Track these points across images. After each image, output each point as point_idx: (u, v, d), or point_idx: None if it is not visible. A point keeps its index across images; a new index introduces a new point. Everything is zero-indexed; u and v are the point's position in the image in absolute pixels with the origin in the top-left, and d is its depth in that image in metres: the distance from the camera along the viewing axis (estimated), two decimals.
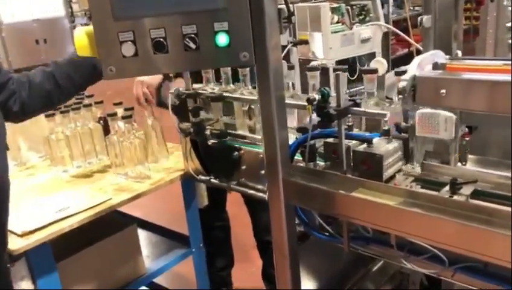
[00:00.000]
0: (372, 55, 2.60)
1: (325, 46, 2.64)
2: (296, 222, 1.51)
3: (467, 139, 1.33)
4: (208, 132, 1.83)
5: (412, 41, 2.49)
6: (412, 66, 1.27)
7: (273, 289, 2.56)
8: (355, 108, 1.27)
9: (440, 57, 1.38)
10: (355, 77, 2.00)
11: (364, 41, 2.92)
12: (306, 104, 1.30)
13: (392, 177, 1.34)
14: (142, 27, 1.12)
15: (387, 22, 4.12)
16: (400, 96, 1.24)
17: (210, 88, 1.85)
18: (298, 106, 1.48)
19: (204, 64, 1.25)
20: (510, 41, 5.51)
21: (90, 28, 1.17)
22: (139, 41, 1.13)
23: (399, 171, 1.35)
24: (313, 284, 1.75)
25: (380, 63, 1.43)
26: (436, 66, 1.36)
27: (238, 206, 2.66)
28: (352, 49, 2.58)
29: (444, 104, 1.26)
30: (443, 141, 1.36)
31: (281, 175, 1.30)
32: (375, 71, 1.35)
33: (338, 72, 1.23)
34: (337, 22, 2.89)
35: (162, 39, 1.11)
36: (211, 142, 1.81)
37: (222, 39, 1.13)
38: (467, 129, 1.37)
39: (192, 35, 1.11)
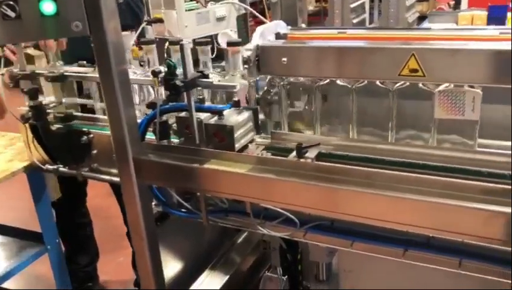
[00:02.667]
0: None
1: (180, 24, 2.57)
2: (154, 203, 1.46)
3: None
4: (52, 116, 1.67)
5: (267, 21, 2.55)
6: (255, 36, 1.29)
7: None
8: (203, 80, 1.25)
9: (282, 27, 1.43)
10: (214, 55, 1.98)
11: (220, 19, 2.91)
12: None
13: (245, 147, 1.36)
14: None
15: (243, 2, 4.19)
16: (246, 66, 1.26)
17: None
18: (144, 82, 1.41)
19: (27, 35, 1.11)
20: (354, 20, 5.94)
21: None
22: None
23: (251, 141, 1.38)
24: (178, 264, 1.73)
25: (227, 35, 1.42)
26: (278, 36, 1.41)
27: (109, 196, 2.50)
28: (209, 27, 2.56)
29: (287, 73, 1.30)
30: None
31: (130, 155, 1.23)
32: (239, 43, 1.35)
33: (183, 43, 1.19)
34: (191, 0, 2.83)
35: None
36: (55, 127, 1.65)
37: (48, 7, 1.02)
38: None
39: (10, 2, 0.98)
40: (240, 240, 1.95)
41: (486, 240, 0.98)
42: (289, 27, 1.45)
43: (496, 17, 3.13)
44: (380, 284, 1.63)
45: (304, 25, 1.92)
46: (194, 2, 2.87)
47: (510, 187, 0.94)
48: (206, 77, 1.25)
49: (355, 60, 1.18)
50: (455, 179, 1.03)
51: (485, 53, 1.06)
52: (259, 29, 1.30)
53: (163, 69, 1.23)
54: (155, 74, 1.21)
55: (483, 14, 3.16)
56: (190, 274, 1.77)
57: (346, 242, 1.27)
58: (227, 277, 1.77)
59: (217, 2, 3.04)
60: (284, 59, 1.24)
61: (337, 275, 1.69)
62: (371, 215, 1.08)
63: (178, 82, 1.18)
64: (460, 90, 1.15)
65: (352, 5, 5.62)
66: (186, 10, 2.73)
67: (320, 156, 1.30)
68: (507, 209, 0.92)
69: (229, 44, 1.46)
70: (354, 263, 1.64)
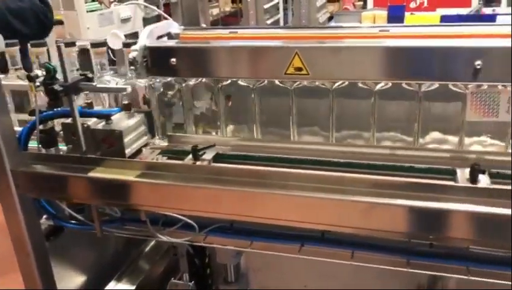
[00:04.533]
0: (134, 36, 2.52)
1: (81, 26, 2.46)
2: (46, 216, 1.37)
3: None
4: None
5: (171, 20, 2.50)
6: (142, 36, 1.24)
7: None
8: (86, 83, 1.18)
9: (174, 27, 1.39)
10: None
11: (125, 21, 2.81)
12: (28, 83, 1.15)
13: (140, 152, 1.31)
14: None
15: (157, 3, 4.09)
16: (132, 67, 1.21)
17: None
18: (21, 87, 1.32)
19: None
20: (268, 21, 6.00)
21: None
22: None
23: (145, 145, 1.33)
24: (80, 278, 1.63)
25: (116, 36, 1.36)
26: (170, 36, 1.37)
27: None
28: (113, 29, 2.46)
29: (177, 74, 1.27)
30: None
31: (8, 166, 1.13)
32: (103, 44, 1.28)
33: (60, 44, 1.12)
34: (94, 0, 2.72)
35: None
36: None
37: None
38: None
39: None
40: (148, 247, 1.89)
41: (375, 232, 1.01)
42: (182, 27, 1.42)
43: (395, 16, 3.30)
44: (289, 280, 1.65)
45: (204, 25, 1.89)
46: (97, 2, 2.75)
47: (402, 179, 0.97)
48: (90, 80, 1.18)
49: (242, 60, 1.17)
50: (346, 174, 1.05)
51: (363, 50, 1.09)
52: (147, 29, 1.25)
53: (40, 73, 1.14)
54: (31, 78, 1.12)
55: (384, 13, 3.33)
56: (94, 287, 1.68)
57: (245, 243, 1.26)
58: (134, 286, 1.70)
59: (122, 2, 2.94)
60: (173, 60, 1.21)
61: (246, 275, 1.69)
62: (263, 214, 1.07)
63: (57, 87, 1.10)
64: (495, 91, 1.10)
65: (265, 6, 5.72)
66: (87, 11, 2.61)
67: (217, 158, 1.28)
68: (392, 201, 0.95)
69: (126, 45, 1.39)
70: (261, 262, 1.64)
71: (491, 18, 3.17)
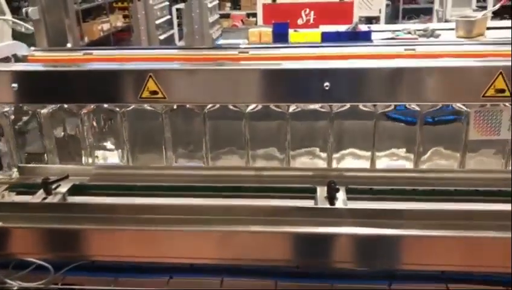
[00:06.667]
0: None
1: None
2: None
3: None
4: None
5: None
6: None
7: None
8: None
9: (21, 48, 1.27)
10: None
11: None
12: None
13: None
14: None
15: None
16: None
17: None
18: None
19: None
20: (161, 37, 5.87)
21: None
22: None
23: None
24: None
25: None
26: (17, 58, 1.24)
27: None
28: None
29: (20, 101, 1.15)
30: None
31: None
32: None
33: None
34: None
35: None
36: None
37: None
38: None
39: None
40: None
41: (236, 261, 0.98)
42: (32, 48, 1.30)
43: (279, 34, 3.40)
44: None
45: (69, 45, 1.77)
46: None
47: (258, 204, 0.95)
48: None
49: (91, 84, 1.08)
50: (202, 202, 1.01)
51: (217, 72, 1.07)
52: None
53: None
54: None
55: (269, 30, 3.40)
56: None
57: (108, 280, 1.17)
58: None
59: None
60: (14, 85, 1.09)
61: None
62: (121, 252, 1.00)
63: None
64: (497, 110, 1.10)
65: (157, 22, 5.60)
66: None
67: (74, 190, 1.18)
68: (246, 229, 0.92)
69: None
70: None
71: (367, 35, 3.39)
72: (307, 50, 1.21)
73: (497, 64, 0.97)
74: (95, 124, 1.28)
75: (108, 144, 1.31)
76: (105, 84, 1.08)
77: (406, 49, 1.14)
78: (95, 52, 1.24)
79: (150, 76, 1.06)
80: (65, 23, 1.98)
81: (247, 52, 1.19)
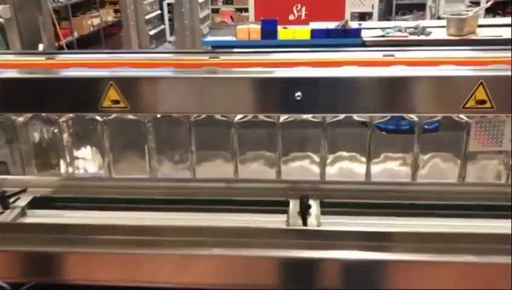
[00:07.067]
0: None
1: None
2: None
3: None
4: None
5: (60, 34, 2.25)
6: None
7: None
8: None
9: None
10: None
11: None
12: None
13: None
14: None
15: None
16: None
17: None
18: None
19: None
20: (151, 32, 5.77)
21: None
22: None
23: None
24: None
25: None
26: None
27: None
28: None
29: None
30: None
31: None
32: None
33: None
34: None
35: None
36: None
37: None
38: None
39: None
40: None
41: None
42: None
43: (268, 31, 3.34)
44: None
45: (41, 45, 1.70)
46: None
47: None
48: None
49: (47, 92, 1.02)
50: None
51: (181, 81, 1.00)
52: None
53: None
54: None
55: (257, 27, 3.34)
56: None
57: None
58: None
59: None
60: None
61: None
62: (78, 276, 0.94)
63: None
64: (499, 120, 1.05)
65: (147, 17, 5.51)
66: None
67: (36, 202, 1.12)
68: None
69: None
70: None
71: (356, 32, 3.32)
72: (277, 56, 1.15)
73: (478, 74, 0.92)
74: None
75: (78, 153, 1.25)
76: (62, 92, 1.02)
77: (384, 56, 1.08)
78: (58, 56, 1.17)
79: (111, 84, 1.00)
80: (39, 22, 1.90)
81: (218, 58, 1.13)
